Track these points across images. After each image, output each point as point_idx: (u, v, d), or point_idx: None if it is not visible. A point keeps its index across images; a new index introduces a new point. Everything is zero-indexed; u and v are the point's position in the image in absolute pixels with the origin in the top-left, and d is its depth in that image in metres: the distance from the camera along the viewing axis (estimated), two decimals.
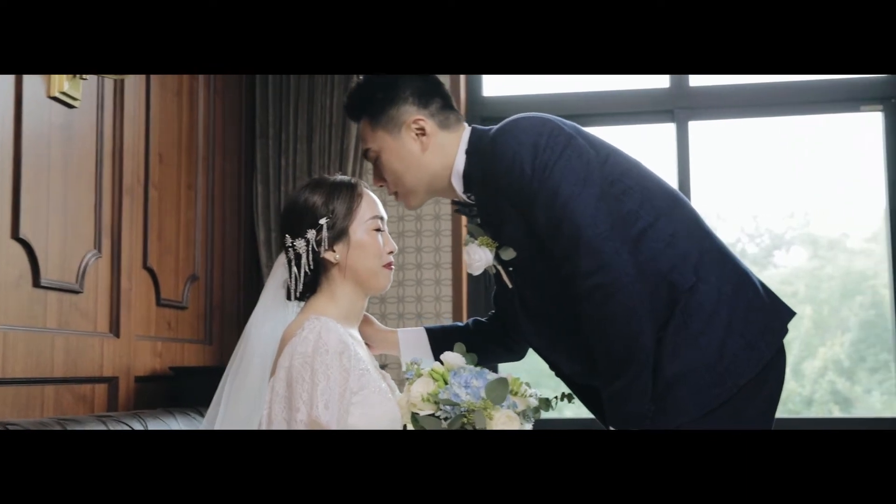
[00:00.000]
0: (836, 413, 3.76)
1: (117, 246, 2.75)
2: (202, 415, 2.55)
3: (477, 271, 1.95)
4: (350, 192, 1.88)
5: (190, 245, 3.23)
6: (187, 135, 3.23)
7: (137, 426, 2.28)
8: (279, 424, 1.71)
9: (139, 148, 2.89)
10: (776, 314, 1.83)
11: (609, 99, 3.75)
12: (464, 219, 2.86)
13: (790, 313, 1.85)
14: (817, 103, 3.64)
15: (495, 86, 3.85)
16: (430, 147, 1.90)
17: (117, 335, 2.74)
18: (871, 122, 3.64)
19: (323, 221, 1.84)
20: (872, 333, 3.79)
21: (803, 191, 3.79)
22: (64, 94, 2.48)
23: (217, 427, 1.86)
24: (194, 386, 2.91)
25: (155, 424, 2.36)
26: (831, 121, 3.73)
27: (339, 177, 1.92)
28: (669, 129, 3.70)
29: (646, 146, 3.80)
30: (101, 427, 2.17)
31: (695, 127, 3.69)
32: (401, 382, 1.94)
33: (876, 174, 3.61)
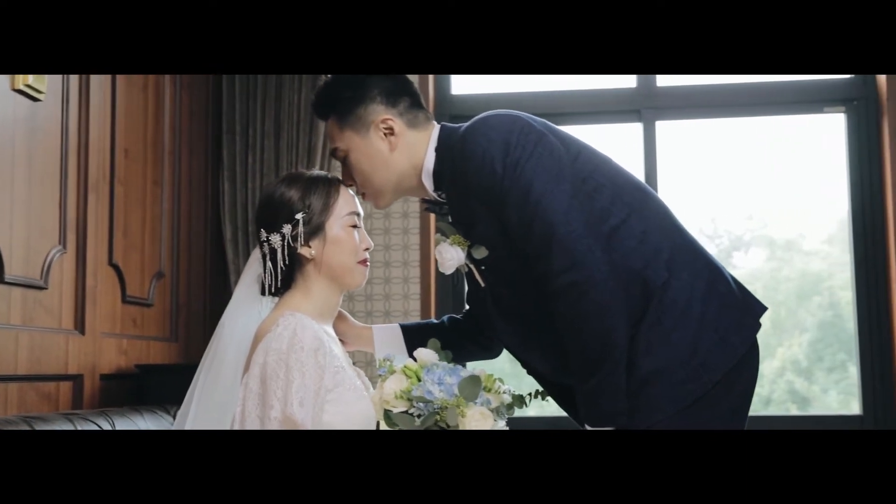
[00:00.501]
0: (794, 412, 3.82)
1: (82, 242, 2.71)
2: (169, 412, 2.53)
3: (449, 270, 1.94)
4: (327, 188, 1.86)
5: (156, 242, 3.19)
6: (153, 130, 3.19)
7: (105, 425, 2.25)
8: (252, 421, 1.70)
9: (105, 143, 2.85)
10: (748, 309, 1.84)
11: (576, 98, 3.77)
12: (433, 216, 2.86)
13: (762, 308, 1.86)
14: (781, 104, 3.68)
15: (464, 84, 3.85)
16: (399, 146, 1.89)
17: (82, 332, 2.70)
18: (834, 123, 3.69)
19: (299, 216, 1.83)
20: (830, 334, 3.85)
21: (766, 192, 3.84)
22: (28, 86, 2.44)
23: (189, 423, 1.84)
24: (160, 384, 2.89)
25: (122, 423, 2.33)
26: (794, 122, 3.78)
27: (316, 172, 1.91)
28: (636, 128, 3.73)
29: (613, 146, 3.82)
30: (69, 425, 2.13)
31: (662, 127, 3.72)
32: (374, 379, 1.93)
33: (838, 175, 3.66)
